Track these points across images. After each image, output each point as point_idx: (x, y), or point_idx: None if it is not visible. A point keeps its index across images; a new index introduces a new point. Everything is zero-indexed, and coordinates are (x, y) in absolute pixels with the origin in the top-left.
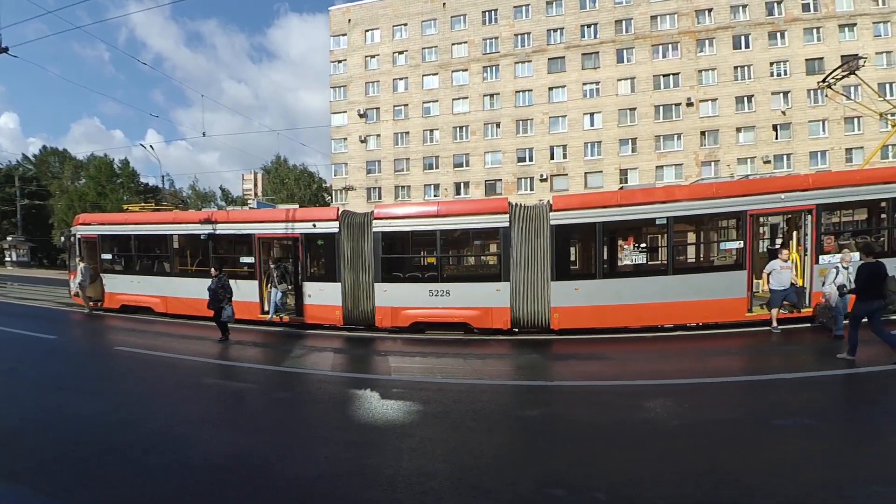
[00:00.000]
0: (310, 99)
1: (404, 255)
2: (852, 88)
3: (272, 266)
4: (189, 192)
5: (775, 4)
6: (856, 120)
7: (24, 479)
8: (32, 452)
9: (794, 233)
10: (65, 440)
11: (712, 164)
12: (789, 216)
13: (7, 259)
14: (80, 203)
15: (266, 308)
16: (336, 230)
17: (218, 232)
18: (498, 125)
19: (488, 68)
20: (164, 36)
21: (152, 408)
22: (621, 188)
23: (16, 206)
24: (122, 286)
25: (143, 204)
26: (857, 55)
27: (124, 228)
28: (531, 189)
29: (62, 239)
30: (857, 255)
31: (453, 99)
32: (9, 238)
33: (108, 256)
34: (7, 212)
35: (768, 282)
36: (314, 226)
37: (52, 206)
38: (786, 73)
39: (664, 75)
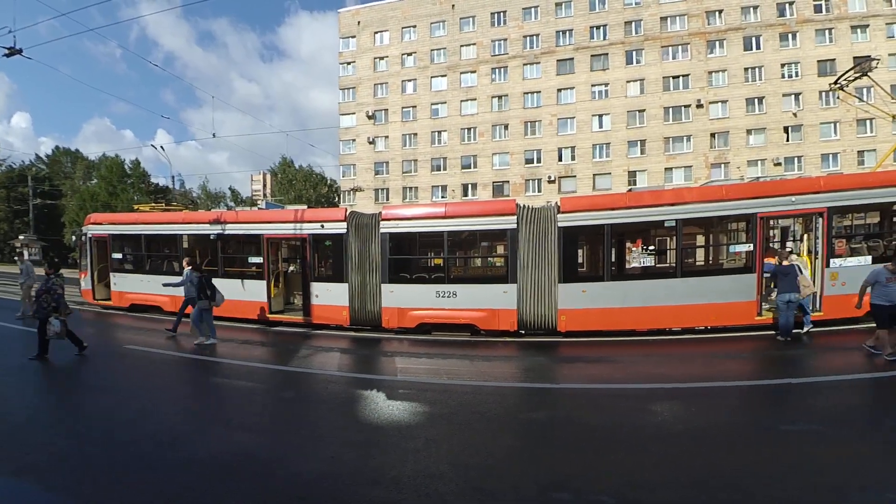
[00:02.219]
0: (319, 98)
1: (411, 257)
2: (865, 90)
3: (187, 272)
4: (199, 192)
5: (787, 5)
6: (868, 122)
7: (32, 473)
8: (41, 447)
9: (805, 236)
10: (73, 435)
11: (722, 166)
12: (797, 219)
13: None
14: (91, 203)
15: (273, 307)
16: (344, 231)
17: (227, 232)
18: (506, 127)
19: (497, 70)
20: (175, 34)
21: (160, 405)
22: (630, 190)
23: (28, 206)
24: (132, 285)
25: (153, 204)
26: (869, 57)
27: (135, 228)
28: (539, 191)
29: (73, 238)
30: None
31: (461, 100)
32: (21, 237)
33: (118, 256)
34: (20, 211)
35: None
36: (322, 226)
37: (64, 205)
38: (797, 75)
39: (674, 77)
